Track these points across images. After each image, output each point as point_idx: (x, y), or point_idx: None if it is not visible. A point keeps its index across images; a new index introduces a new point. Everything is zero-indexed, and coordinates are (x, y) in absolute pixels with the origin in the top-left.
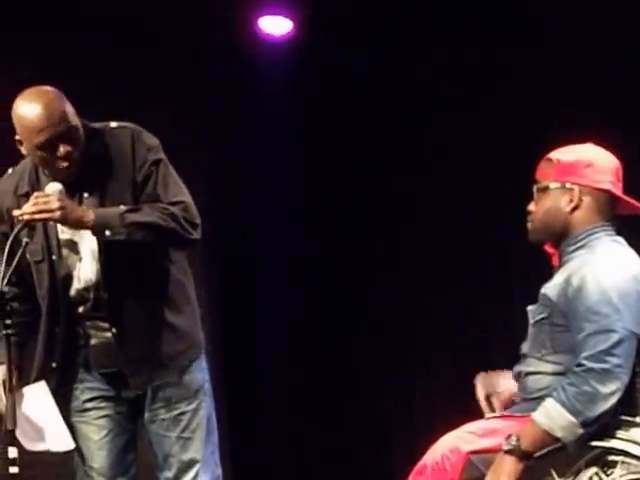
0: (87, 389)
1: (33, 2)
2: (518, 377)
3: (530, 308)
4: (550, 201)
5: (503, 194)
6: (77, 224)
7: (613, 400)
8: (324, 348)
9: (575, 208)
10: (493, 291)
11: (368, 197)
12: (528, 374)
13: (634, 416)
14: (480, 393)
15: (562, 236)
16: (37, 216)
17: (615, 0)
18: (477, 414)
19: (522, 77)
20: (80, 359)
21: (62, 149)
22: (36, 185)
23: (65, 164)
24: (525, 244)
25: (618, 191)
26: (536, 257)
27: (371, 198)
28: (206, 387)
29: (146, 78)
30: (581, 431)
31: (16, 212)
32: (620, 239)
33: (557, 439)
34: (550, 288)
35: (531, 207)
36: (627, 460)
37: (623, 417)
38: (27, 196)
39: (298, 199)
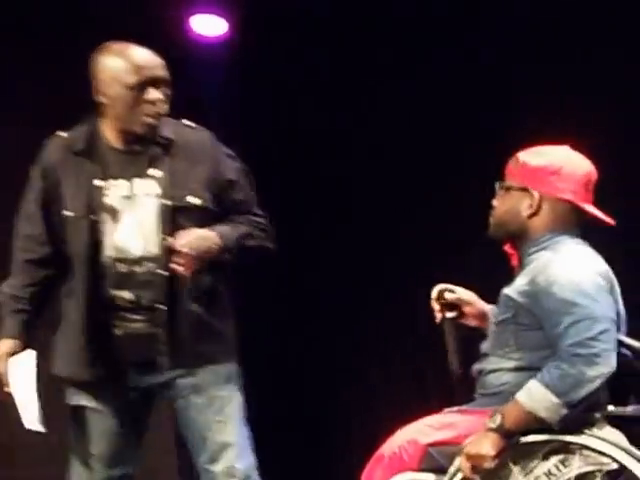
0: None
1: None
2: (478, 375)
3: (491, 308)
4: (511, 202)
5: (462, 192)
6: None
7: (598, 382)
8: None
9: (534, 214)
10: None
11: (303, 196)
12: (490, 372)
13: (592, 412)
14: (434, 291)
15: (520, 238)
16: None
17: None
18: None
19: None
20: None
21: (154, 94)
22: (92, 146)
23: (153, 110)
24: (484, 244)
25: (582, 202)
26: (496, 258)
27: (306, 197)
28: (237, 379)
29: (78, 78)
30: (566, 411)
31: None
32: (585, 243)
33: (541, 419)
34: (513, 289)
35: (494, 202)
36: (586, 453)
37: (584, 413)
38: (80, 154)
39: None
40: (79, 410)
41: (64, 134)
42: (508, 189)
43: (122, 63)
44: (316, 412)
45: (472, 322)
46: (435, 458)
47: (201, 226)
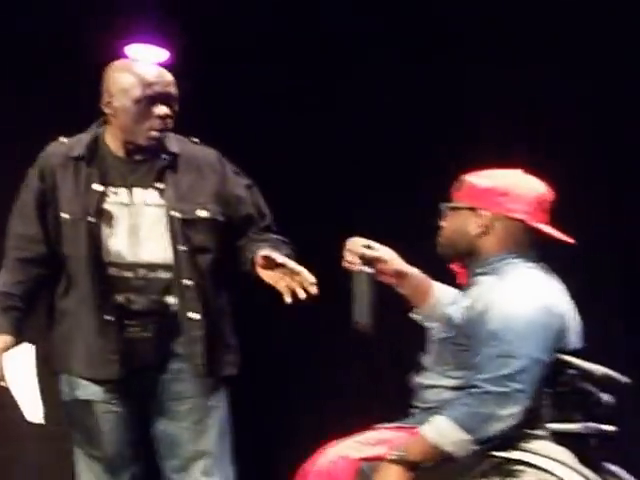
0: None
1: None
2: (417, 388)
3: (432, 325)
4: (459, 222)
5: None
6: None
7: (510, 421)
8: None
9: (484, 233)
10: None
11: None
12: (428, 386)
13: (537, 429)
14: (351, 242)
15: (469, 257)
16: None
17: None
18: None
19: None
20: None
21: (161, 110)
22: (93, 151)
23: (159, 125)
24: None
25: (536, 221)
26: (443, 275)
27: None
28: (223, 390)
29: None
30: (474, 448)
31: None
32: (541, 267)
33: (447, 454)
34: (455, 310)
35: (442, 223)
36: (528, 470)
37: (525, 430)
38: (80, 159)
39: None
40: (89, 403)
41: (65, 139)
42: (456, 209)
43: (132, 77)
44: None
45: (388, 280)
46: (367, 474)
47: (209, 238)
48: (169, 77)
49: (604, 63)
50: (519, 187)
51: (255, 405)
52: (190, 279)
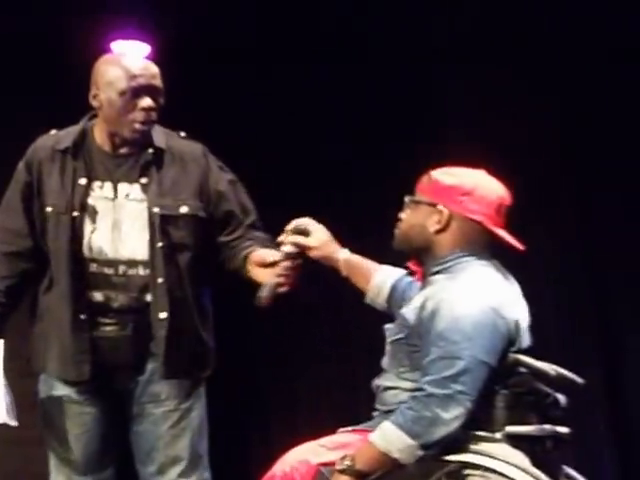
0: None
1: None
2: (377, 390)
3: (388, 326)
4: (418, 217)
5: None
6: None
7: (455, 424)
8: None
9: (441, 230)
10: None
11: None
12: (387, 388)
13: (492, 432)
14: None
15: (425, 253)
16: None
17: None
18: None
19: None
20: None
21: (146, 102)
22: (79, 145)
23: (144, 117)
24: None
25: (493, 225)
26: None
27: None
28: (201, 390)
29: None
30: (421, 453)
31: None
32: (495, 265)
33: (395, 460)
34: (408, 310)
35: (402, 215)
36: (486, 474)
37: (480, 432)
38: (67, 152)
39: None
40: (63, 403)
41: (55, 132)
42: (417, 203)
43: (118, 70)
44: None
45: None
46: (327, 478)
47: (189, 235)
48: (154, 69)
49: (572, 71)
50: (482, 188)
51: (231, 406)
52: (163, 277)
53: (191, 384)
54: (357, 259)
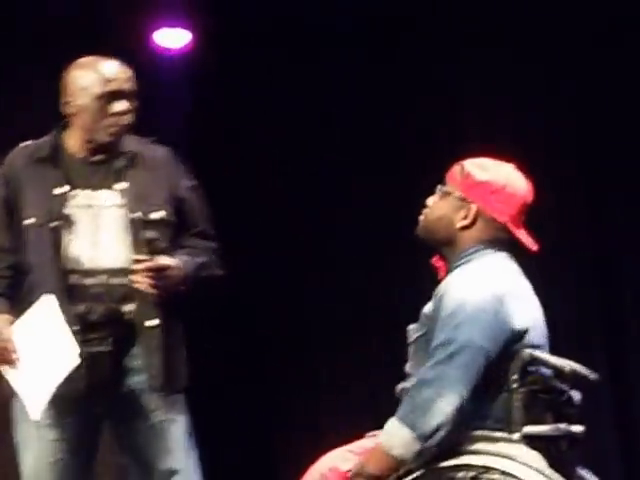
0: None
1: None
2: (400, 394)
3: (410, 327)
4: (446, 208)
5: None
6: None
7: (449, 411)
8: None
9: (467, 227)
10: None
11: (270, 211)
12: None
13: (510, 432)
14: None
15: (447, 248)
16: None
17: None
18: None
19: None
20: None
21: (120, 106)
22: (55, 154)
23: (118, 121)
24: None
25: (515, 225)
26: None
27: (274, 211)
28: (182, 402)
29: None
30: (418, 447)
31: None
32: (510, 259)
33: (398, 458)
34: (427, 306)
35: (429, 201)
36: (505, 478)
37: (498, 434)
38: (44, 162)
39: None
40: (38, 429)
41: (28, 143)
42: (447, 194)
43: (91, 75)
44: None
45: None
46: None
47: (165, 240)
48: (128, 72)
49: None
50: (510, 187)
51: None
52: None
53: (175, 396)
54: None
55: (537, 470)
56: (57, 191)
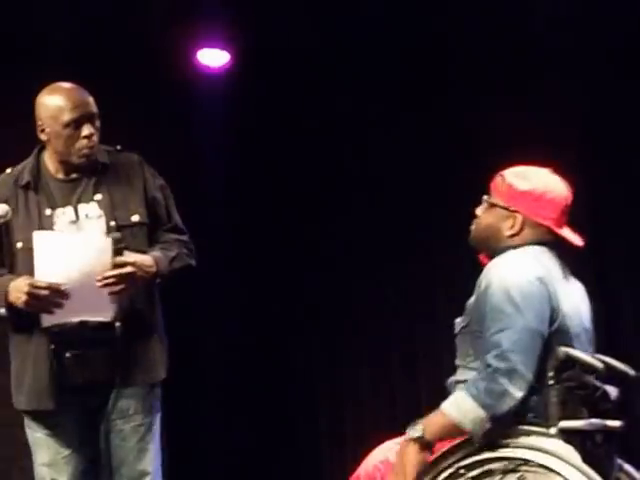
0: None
1: None
2: (450, 387)
3: (456, 320)
4: (494, 218)
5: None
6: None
7: (519, 396)
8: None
9: (515, 235)
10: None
11: (302, 229)
12: (457, 383)
13: (547, 427)
14: None
15: (498, 253)
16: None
17: None
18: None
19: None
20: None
21: (87, 129)
22: (37, 178)
23: (88, 144)
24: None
25: (559, 227)
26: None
27: (305, 230)
28: (159, 405)
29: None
30: (489, 426)
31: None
32: (546, 249)
33: (466, 432)
34: (471, 298)
35: (478, 211)
36: (541, 471)
37: (535, 428)
38: (27, 187)
39: (233, 234)
40: (43, 440)
41: (10, 170)
42: (493, 205)
43: (59, 103)
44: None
45: None
46: None
47: (142, 242)
48: (89, 97)
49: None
50: (550, 192)
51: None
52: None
53: (152, 399)
54: None
55: (572, 464)
56: (45, 212)
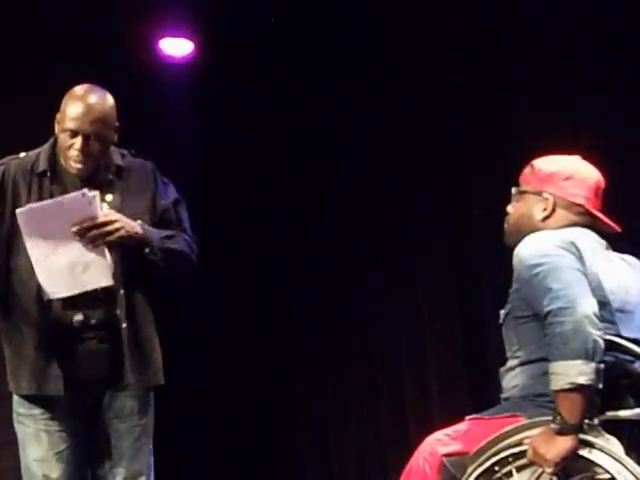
0: (49, 398)
1: None
2: (501, 376)
3: (501, 312)
4: (525, 206)
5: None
6: (132, 236)
7: (587, 322)
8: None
9: (548, 217)
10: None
11: (271, 221)
12: (505, 372)
13: (590, 418)
14: None
15: None
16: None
17: None
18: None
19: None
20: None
21: (79, 144)
22: (52, 167)
23: (74, 154)
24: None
25: (592, 207)
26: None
27: (276, 222)
28: (152, 405)
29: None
30: (593, 365)
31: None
32: (583, 230)
33: (583, 387)
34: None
35: (509, 209)
36: (584, 464)
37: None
38: (44, 175)
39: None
40: (39, 434)
41: (23, 154)
42: (523, 194)
43: (65, 107)
44: None
45: None
46: (449, 469)
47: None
48: (95, 114)
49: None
50: (580, 172)
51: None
52: (125, 288)
53: (147, 399)
54: None
55: (614, 457)
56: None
